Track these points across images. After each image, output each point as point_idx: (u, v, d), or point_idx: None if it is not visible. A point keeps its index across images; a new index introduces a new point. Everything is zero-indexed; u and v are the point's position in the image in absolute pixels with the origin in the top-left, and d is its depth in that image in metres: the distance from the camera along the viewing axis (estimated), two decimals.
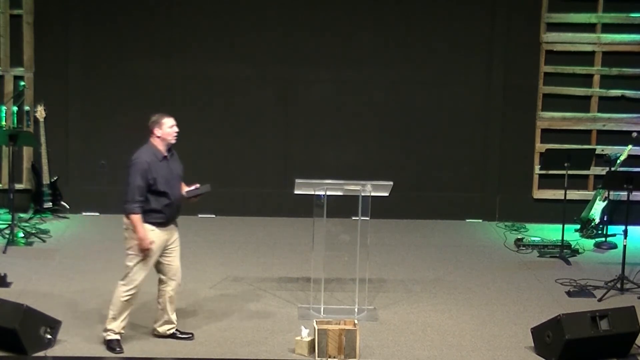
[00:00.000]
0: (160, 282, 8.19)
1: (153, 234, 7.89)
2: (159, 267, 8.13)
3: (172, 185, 7.99)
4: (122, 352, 7.95)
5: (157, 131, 7.98)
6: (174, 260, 8.12)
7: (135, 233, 7.81)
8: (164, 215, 7.93)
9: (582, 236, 11.70)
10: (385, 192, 8.94)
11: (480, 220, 12.41)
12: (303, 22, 12.17)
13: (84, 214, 12.10)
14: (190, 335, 8.30)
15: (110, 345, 7.99)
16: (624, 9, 12.20)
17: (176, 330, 8.28)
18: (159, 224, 7.91)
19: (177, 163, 8.14)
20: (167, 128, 7.97)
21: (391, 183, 8.92)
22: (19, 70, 11.95)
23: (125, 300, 7.96)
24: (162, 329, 8.26)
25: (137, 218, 7.79)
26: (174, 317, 8.26)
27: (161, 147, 7.99)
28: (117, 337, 8.01)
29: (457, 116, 12.35)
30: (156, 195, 7.87)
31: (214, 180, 12.20)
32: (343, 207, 8.96)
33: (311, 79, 12.21)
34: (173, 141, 8.04)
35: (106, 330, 8.03)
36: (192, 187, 8.29)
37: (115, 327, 8.00)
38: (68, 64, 11.99)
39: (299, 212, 11.33)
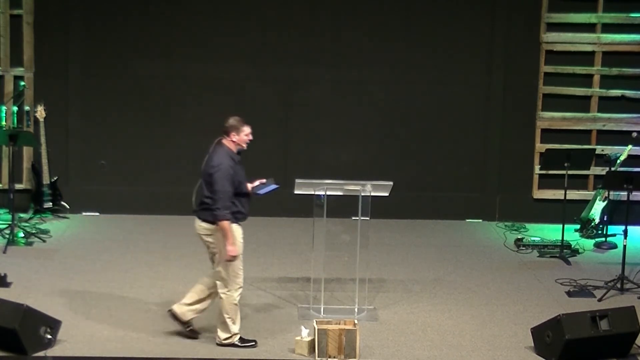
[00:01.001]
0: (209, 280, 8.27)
1: (239, 232, 8.07)
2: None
3: (244, 183, 8.19)
4: (255, 342, 8.17)
5: (234, 136, 8.11)
6: None
7: (225, 239, 7.91)
8: (244, 215, 8.15)
9: (582, 236, 11.69)
10: (385, 192, 8.94)
11: (480, 220, 12.41)
12: (303, 22, 12.16)
13: (84, 214, 12.10)
14: (197, 337, 8.31)
15: (242, 343, 8.15)
16: (624, 9, 12.20)
17: (191, 324, 8.31)
18: (238, 222, 8.09)
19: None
20: (244, 135, 8.15)
21: (391, 183, 8.92)
22: (19, 70, 11.95)
23: (237, 303, 8.10)
24: (188, 313, 8.24)
25: (228, 224, 7.91)
26: (202, 307, 8.30)
27: (234, 150, 8.11)
28: (240, 335, 8.17)
29: (457, 116, 12.35)
30: (239, 197, 8.04)
31: None
32: (343, 207, 8.96)
33: (311, 79, 12.21)
34: (244, 147, 8.18)
35: (233, 335, 8.12)
36: (256, 183, 8.44)
37: (238, 328, 8.14)
38: (68, 64, 11.99)
39: (299, 212, 11.33)
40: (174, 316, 8.24)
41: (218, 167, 7.93)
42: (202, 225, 8.07)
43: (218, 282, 8.10)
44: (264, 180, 8.49)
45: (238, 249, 8.00)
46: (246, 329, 8.52)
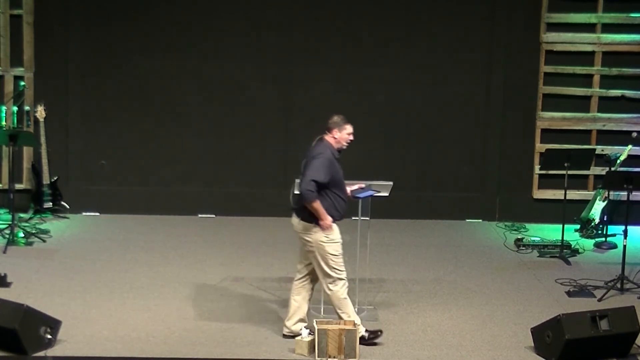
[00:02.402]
0: (301, 278, 8.33)
1: (336, 230, 8.12)
2: (308, 264, 8.26)
3: (343, 183, 8.23)
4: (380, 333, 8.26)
5: (336, 133, 8.17)
6: None
7: (320, 218, 7.98)
8: (339, 213, 8.16)
9: (582, 236, 11.70)
10: (385, 192, 8.93)
11: (480, 220, 12.41)
12: (303, 22, 12.17)
13: (84, 214, 12.10)
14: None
15: (370, 337, 8.20)
16: (624, 9, 12.20)
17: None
18: (334, 221, 8.13)
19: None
20: (345, 134, 8.19)
21: (391, 183, 8.93)
22: (19, 70, 11.95)
23: (346, 296, 8.15)
24: (296, 327, 8.29)
25: (318, 204, 7.94)
26: (304, 313, 8.37)
27: (335, 147, 8.16)
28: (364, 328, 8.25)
29: (457, 116, 12.35)
30: (335, 193, 8.09)
31: (214, 180, 12.30)
32: None
33: (311, 79, 12.21)
34: (344, 147, 8.22)
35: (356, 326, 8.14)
36: (356, 187, 8.52)
37: (358, 320, 8.17)
38: (68, 64, 11.99)
39: None
40: (291, 336, 8.27)
41: (319, 155, 8.01)
42: (301, 223, 8.12)
43: (322, 280, 8.15)
44: (363, 185, 8.58)
45: (330, 221, 8.04)
46: (246, 329, 8.54)
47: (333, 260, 8.08)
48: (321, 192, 7.98)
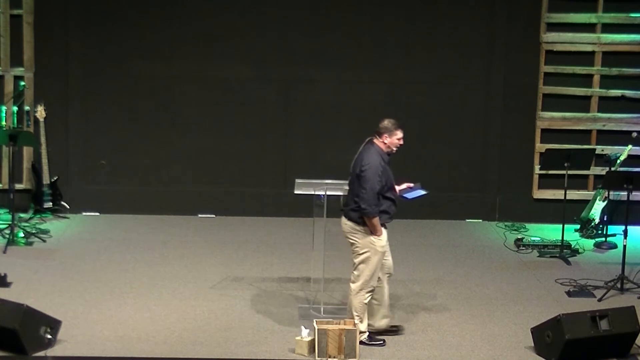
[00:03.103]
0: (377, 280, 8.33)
1: (384, 234, 8.18)
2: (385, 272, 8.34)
3: (393, 184, 8.27)
4: (384, 342, 8.26)
5: (386, 138, 8.20)
6: (389, 256, 8.35)
7: (373, 232, 8.05)
8: (389, 216, 8.24)
9: (582, 236, 11.70)
10: None
11: (480, 220, 12.41)
12: (303, 22, 12.17)
13: (84, 214, 12.10)
14: (397, 330, 8.49)
15: (370, 341, 8.23)
16: (624, 9, 12.20)
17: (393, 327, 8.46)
18: (383, 225, 8.19)
19: None
20: (395, 139, 8.23)
21: None
22: (19, 70, 11.95)
23: (367, 302, 8.21)
24: (381, 323, 8.37)
25: (377, 220, 8.03)
26: (385, 310, 8.41)
27: (384, 151, 8.18)
28: (367, 333, 8.26)
29: (457, 116, 12.35)
30: (386, 197, 8.13)
31: (214, 180, 12.31)
32: None
33: (311, 79, 12.21)
34: (394, 151, 8.25)
35: (360, 332, 8.13)
36: (403, 186, 8.54)
37: (365, 327, 8.22)
38: (68, 64, 11.99)
39: (299, 212, 11.33)
40: (378, 332, 8.35)
41: (368, 165, 8.03)
42: (348, 224, 8.16)
43: (353, 279, 8.18)
44: (411, 185, 8.60)
45: (384, 242, 8.14)
46: (246, 329, 8.54)
47: (374, 264, 8.12)
48: None
